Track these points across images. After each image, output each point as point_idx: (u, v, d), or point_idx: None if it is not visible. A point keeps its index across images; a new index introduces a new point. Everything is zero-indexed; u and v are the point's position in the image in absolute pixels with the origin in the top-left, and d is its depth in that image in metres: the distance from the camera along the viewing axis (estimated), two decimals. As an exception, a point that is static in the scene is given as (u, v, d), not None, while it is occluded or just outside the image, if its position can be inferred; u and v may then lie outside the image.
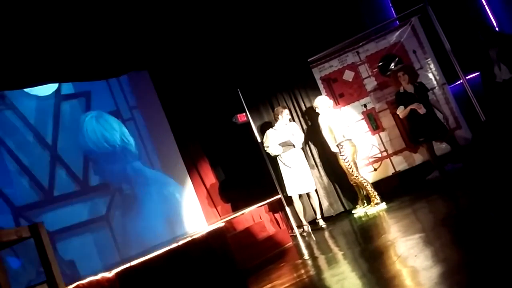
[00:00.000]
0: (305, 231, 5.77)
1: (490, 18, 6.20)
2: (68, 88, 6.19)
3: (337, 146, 5.55)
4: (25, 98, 5.75)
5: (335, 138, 5.57)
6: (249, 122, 6.19)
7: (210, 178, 6.99)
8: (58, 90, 6.09)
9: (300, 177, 5.77)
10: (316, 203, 5.89)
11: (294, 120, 6.32)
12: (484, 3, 6.23)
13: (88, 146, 6.01)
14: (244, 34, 6.74)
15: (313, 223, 5.93)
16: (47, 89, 5.97)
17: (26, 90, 5.77)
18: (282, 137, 5.84)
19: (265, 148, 5.91)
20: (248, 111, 6.18)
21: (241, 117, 6.28)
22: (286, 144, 5.80)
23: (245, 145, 6.53)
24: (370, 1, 6.97)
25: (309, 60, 6.32)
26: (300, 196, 5.88)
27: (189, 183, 6.84)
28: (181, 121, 6.90)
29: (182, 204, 6.64)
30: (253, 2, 6.70)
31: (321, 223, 5.80)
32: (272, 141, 5.83)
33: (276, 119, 6.01)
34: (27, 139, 5.63)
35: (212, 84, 6.85)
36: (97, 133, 6.12)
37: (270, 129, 6.01)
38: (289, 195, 5.83)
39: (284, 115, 5.94)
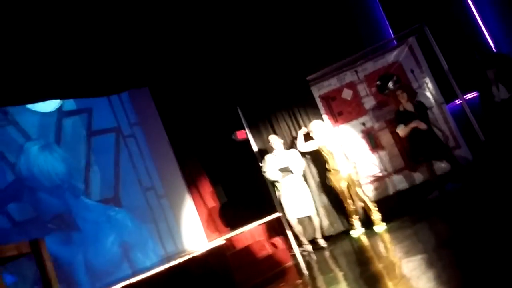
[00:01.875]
0: (306, 251, 5.75)
1: (487, 39, 6.29)
2: (70, 104, 6.24)
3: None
4: (27, 114, 5.79)
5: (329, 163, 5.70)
6: (248, 140, 6.21)
7: (210, 196, 6.99)
8: (60, 107, 6.13)
9: (300, 201, 5.74)
10: (317, 224, 5.86)
11: (293, 138, 6.34)
12: (481, 23, 6.32)
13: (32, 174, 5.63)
14: (244, 52, 6.81)
15: (313, 242, 5.91)
16: (49, 106, 6.01)
17: (29, 106, 5.81)
18: (281, 163, 5.80)
19: (263, 173, 5.88)
20: (248, 129, 6.21)
21: (241, 134, 6.31)
22: (285, 170, 5.79)
23: (245, 162, 6.54)
24: (368, 21, 7.07)
25: (308, 78, 6.36)
26: (299, 218, 5.84)
27: (188, 200, 6.83)
28: (181, 138, 6.93)
29: (168, 223, 6.58)
30: (254, 21, 6.80)
31: (322, 242, 5.78)
32: (270, 167, 5.81)
33: (271, 147, 5.96)
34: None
35: (212, 101, 6.90)
36: (48, 163, 5.80)
37: (269, 154, 5.98)
38: (288, 218, 5.79)
39: (273, 144, 5.89)
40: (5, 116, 5.62)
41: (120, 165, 6.46)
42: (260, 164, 6.02)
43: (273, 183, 5.93)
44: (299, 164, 5.85)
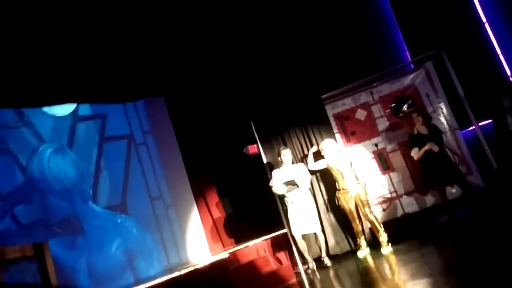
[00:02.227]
0: (310, 268, 5.68)
1: (505, 68, 6.26)
2: (85, 109, 6.30)
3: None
4: (42, 116, 5.84)
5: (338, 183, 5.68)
6: (259, 154, 6.20)
7: (217, 208, 6.96)
8: (75, 111, 6.19)
9: (305, 217, 5.71)
10: (322, 242, 5.80)
11: (304, 155, 6.33)
12: (499, 52, 6.31)
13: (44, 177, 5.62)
14: (261, 69, 6.86)
15: (318, 260, 5.84)
16: (65, 109, 6.07)
17: (44, 109, 5.87)
18: (288, 177, 5.81)
19: (271, 187, 5.87)
20: (260, 143, 6.21)
21: (252, 148, 6.30)
22: (291, 184, 5.78)
23: (254, 177, 6.52)
24: (386, 43, 7.11)
25: (322, 97, 6.39)
26: (304, 235, 5.81)
27: (195, 211, 6.81)
28: (193, 148, 6.95)
29: (174, 234, 6.55)
30: (273, 38, 6.87)
31: (326, 261, 5.71)
32: (276, 181, 5.81)
33: (281, 160, 5.96)
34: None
35: (226, 114, 6.93)
36: (60, 167, 5.82)
37: (277, 169, 6.00)
38: (293, 234, 5.75)
39: (284, 157, 5.89)
40: (20, 118, 5.69)
41: (129, 173, 6.48)
42: (269, 176, 6.01)
43: (281, 198, 5.89)
44: (305, 178, 5.83)
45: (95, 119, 6.40)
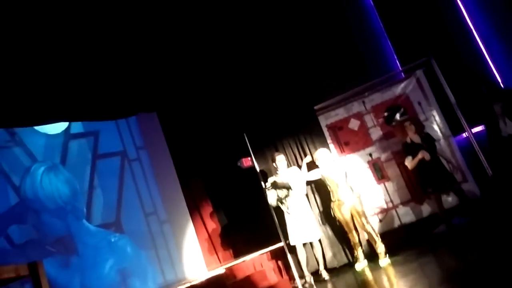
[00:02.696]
0: (307, 283, 5.61)
1: (494, 73, 6.30)
2: (77, 127, 6.26)
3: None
4: (35, 135, 5.80)
5: (333, 193, 5.62)
6: (254, 167, 6.17)
7: (212, 222, 6.91)
8: (67, 129, 6.15)
9: (304, 225, 5.64)
10: (319, 254, 5.74)
11: (298, 166, 6.30)
12: (488, 58, 6.36)
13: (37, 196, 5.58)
14: (253, 80, 6.86)
15: (315, 274, 5.77)
16: (57, 128, 6.03)
17: (37, 128, 5.82)
18: (282, 179, 5.77)
19: (266, 190, 5.76)
20: (254, 155, 6.18)
21: (246, 162, 6.24)
22: (285, 187, 5.70)
23: (249, 189, 6.48)
24: (375, 52, 7.14)
25: (315, 107, 6.38)
26: (304, 245, 5.74)
27: (190, 226, 6.74)
28: (186, 163, 6.91)
29: (169, 250, 6.47)
30: (263, 50, 6.88)
31: (324, 274, 5.63)
32: (271, 195, 5.73)
33: (276, 167, 5.95)
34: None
35: (219, 127, 6.91)
36: (53, 185, 5.76)
37: (272, 177, 5.97)
38: (292, 244, 5.68)
39: (279, 163, 5.88)
40: (12, 137, 5.63)
41: (123, 189, 6.41)
42: (264, 186, 5.97)
43: (277, 208, 5.81)
44: (301, 182, 5.77)
45: (88, 136, 6.35)
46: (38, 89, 5.41)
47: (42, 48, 5.31)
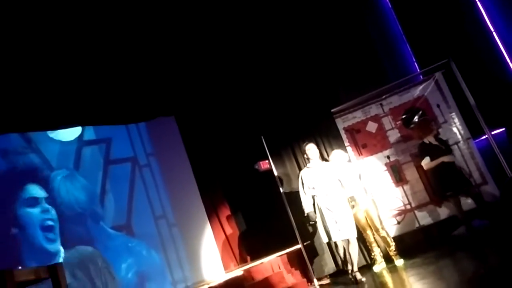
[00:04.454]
0: (356, 278, 5.12)
1: (515, 75, 6.21)
2: (90, 134, 6.38)
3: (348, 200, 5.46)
4: (49, 142, 5.94)
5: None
6: (271, 170, 6.20)
7: (230, 225, 6.96)
8: (81, 136, 6.27)
9: (343, 222, 5.14)
10: (355, 251, 5.22)
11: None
12: (508, 60, 6.27)
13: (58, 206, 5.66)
14: (271, 83, 6.91)
15: (334, 275, 5.72)
16: (71, 135, 6.17)
17: (51, 135, 5.96)
18: (319, 175, 5.35)
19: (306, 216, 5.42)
20: (271, 158, 6.21)
21: (264, 164, 6.28)
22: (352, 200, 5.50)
23: (266, 192, 6.52)
24: (394, 55, 7.11)
25: (332, 110, 6.39)
26: (335, 243, 5.36)
27: (208, 228, 6.80)
28: (204, 166, 6.97)
29: (185, 252, 6.52)
30: (281, 53, 6.92)
31: (359, 276, 5.12)
32: (305, 200, 5.40)
33: (307, 157, 5.61)
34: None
35: (236, 130, 6.97)
36: (70, 193, 5.85)
37: (304, 169, 5.57)
38: (333, 240, 5.22)
39: (309, 151, 5.47)
40: (29, 144, 5.77)
41: (134, 194, 6.48)
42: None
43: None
44: (351, 177, 5.46)
45: (100, 143, 6.46)
46: (54, 95, 5.56)
47: (60, 55, 5.46)
